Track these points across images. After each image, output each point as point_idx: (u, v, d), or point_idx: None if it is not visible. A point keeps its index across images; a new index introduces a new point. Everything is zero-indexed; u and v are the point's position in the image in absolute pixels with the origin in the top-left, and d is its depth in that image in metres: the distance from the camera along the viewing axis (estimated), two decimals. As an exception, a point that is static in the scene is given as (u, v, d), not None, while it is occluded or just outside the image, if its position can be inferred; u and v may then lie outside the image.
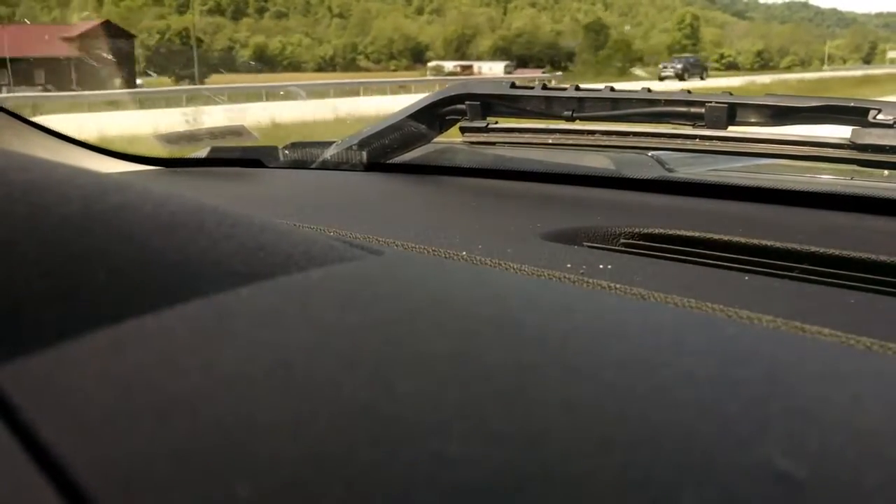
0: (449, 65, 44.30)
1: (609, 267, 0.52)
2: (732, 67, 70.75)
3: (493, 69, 43.34)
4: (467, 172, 0.98)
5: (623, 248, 0.63)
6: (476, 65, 44.72)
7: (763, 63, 76.15)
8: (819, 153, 0.79)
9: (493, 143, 1.03)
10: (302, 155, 1.12)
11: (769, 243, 0.59)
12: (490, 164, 0.98)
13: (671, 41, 71.02)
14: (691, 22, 72.06)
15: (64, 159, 0.40)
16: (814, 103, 0.78)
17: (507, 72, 41.70)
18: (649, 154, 0.93)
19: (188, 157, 1.17)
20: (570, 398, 0.21)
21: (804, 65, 74.96)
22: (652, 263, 0.55)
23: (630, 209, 0.74)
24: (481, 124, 1.00)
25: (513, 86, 0.96)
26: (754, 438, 0.19)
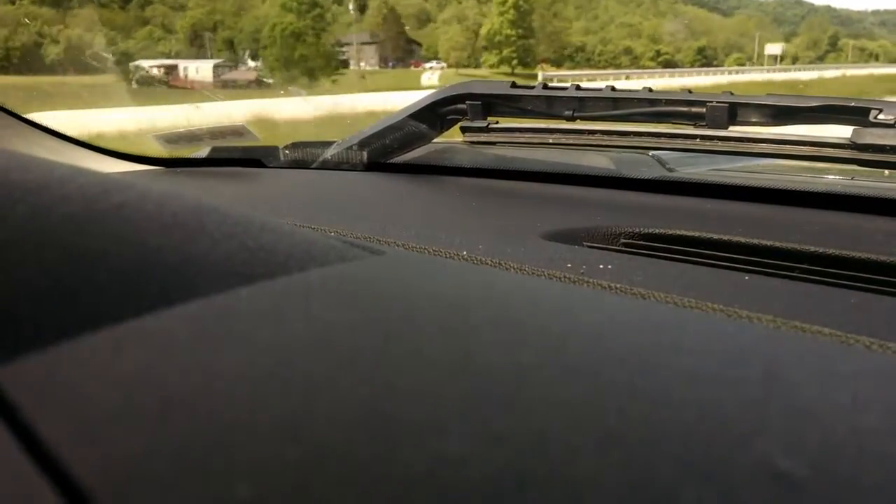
0: (147, 64, 32.22)
1: (609, 267, 0.52)
2: (671, 66, 61.51)
3: (200, 69, 33.04)
4: (467, 172, 0.98)
5: (623, 248, 0.63)
6: (182, 64, 33.78)
7: (706, 61, 67.16)
8: (820, 153, 0.79)
9: (494, 143, 1.03)
10: (302, 155, 1.13)
11: (769, 243, 0.59)
12: (490, 164, 0.98)
13: (488, 31, 52.70)
14: (517, 3, 51.81)
15: (64, 159, 0.41)
16: (814, 103, 0.78)
17: (216, 75, 32.67)
18: (650, 154, 0.93)
19: (188, 157, 1.18)
20: (569, 398, 0.21)
21: (751, 63, 65.87)
22: (652, 263, 0.55)
23: (630, 209, 0.74)
24: (482, 124, 1.00)
25: (513, 85, 0.96)
26: (754, 438, 0.20)
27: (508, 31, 52.55)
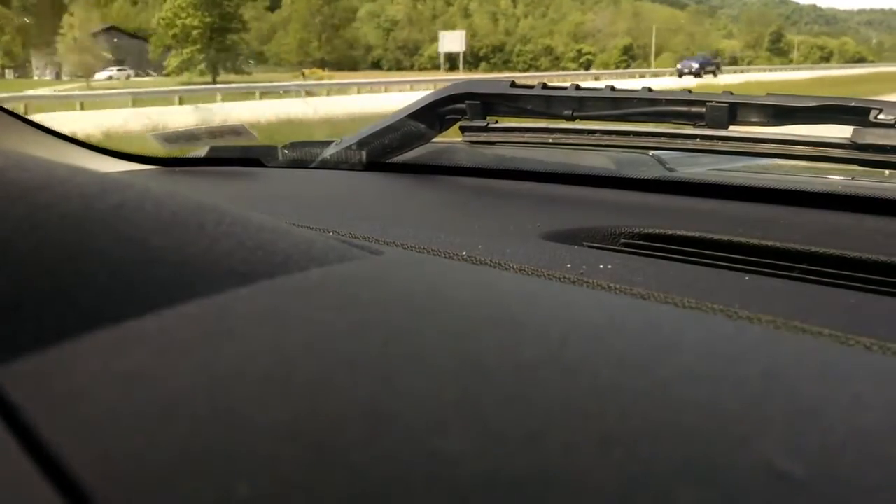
0: None
1: (609, 267, 0.52)
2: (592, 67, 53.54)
3: None
4: (467, 172, 0.98)
5: (623, 248, 0.63)
6: None
7: (633, 61, 58.98)
8: (820, 153, 0.79)
9: (493, 143, 1.03)
10: (301, 154, 1.12)
11: (769, 243, 0.59)
12: (490, 164, 0.98)
13: (159, 20, 34.26)
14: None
15: (64, 159, 0.40)
16: (814, 103, 0.78)
17: None
18: (650, 153, 0.93)
19: (188, 156, 1.17)
20: (569, 397, 0.21)
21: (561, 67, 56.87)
22: (652, 263, 0.55)
23: (630, 209, 0.74)
24: (481, 124, 1.00)
25: (513, 85, 0.96)
26: (754, 438, 0.19)
27: (188, 22, 32.71)
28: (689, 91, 0.87)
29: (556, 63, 61.47)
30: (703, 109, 0.82)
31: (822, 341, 0.34)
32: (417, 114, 1.01)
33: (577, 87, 0.91)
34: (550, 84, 0.95)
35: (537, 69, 57.09)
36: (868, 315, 0.43)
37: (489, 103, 0.97)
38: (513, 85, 0.96)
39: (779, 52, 76.55)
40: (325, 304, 0.27)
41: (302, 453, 0.18)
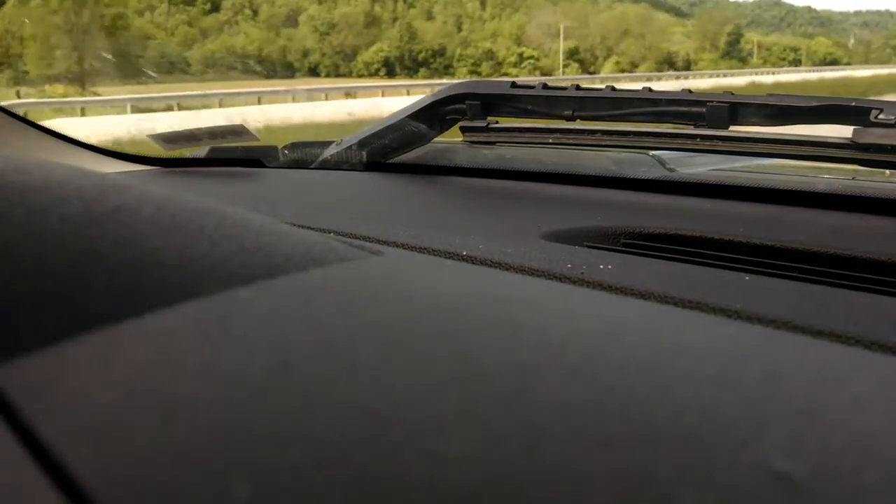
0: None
1: (609, 267, 0.52)
2: (544, 73, 48.59)
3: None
4: (467, 172, 0.98)
5: (623, 248, 0.63)
6: None
7: (581, 66, 53.76)
8: (820, 153, 0.79)
9: (494, 143, 1.03)
10: (302, 155, 1.12)
11: (770, 243, 0.59)
12: (490, 164, 0.98)
13: None
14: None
15: (64, 160, 0.41)
16: (815, 103, 0.78)
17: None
18: (650, 154, 0.93)
19: (188, 157, 1.17)
20: (569, 398, 0.21)
21: (638, 69, 50.04)
22: (652, 263, 0.55)
23: (630, 209, 0.74)
24: (481, 124, 1.00)
25: (513, 85, 0.96)
26: (754, 438, 0.19)
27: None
28: (689, 91, 0.87)
29: (498, 68, 56.25)
30: (704, 109, 0.82)
31: (822, 341, 0.34)
32: (418, 114, 1.01)
33: (578, 88, 0.91)
34: (551, 84, 0.95)
35: (479, 75, 51.20)
36: (868, 315, 0.43)
37: (489, 104, 0.97)
38: (513, 85, 0.96)
39: (740, 54, 66.66)
40: (326, 304, 0.27)
41: (301, 454, 0.18)
